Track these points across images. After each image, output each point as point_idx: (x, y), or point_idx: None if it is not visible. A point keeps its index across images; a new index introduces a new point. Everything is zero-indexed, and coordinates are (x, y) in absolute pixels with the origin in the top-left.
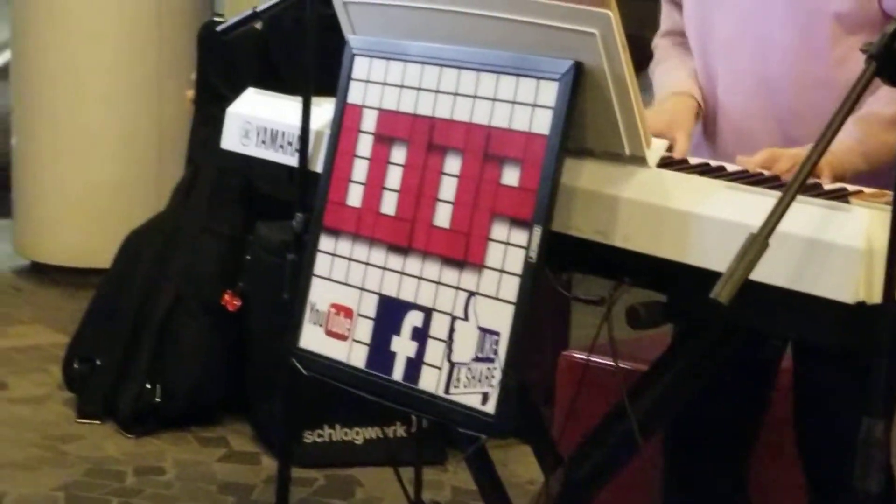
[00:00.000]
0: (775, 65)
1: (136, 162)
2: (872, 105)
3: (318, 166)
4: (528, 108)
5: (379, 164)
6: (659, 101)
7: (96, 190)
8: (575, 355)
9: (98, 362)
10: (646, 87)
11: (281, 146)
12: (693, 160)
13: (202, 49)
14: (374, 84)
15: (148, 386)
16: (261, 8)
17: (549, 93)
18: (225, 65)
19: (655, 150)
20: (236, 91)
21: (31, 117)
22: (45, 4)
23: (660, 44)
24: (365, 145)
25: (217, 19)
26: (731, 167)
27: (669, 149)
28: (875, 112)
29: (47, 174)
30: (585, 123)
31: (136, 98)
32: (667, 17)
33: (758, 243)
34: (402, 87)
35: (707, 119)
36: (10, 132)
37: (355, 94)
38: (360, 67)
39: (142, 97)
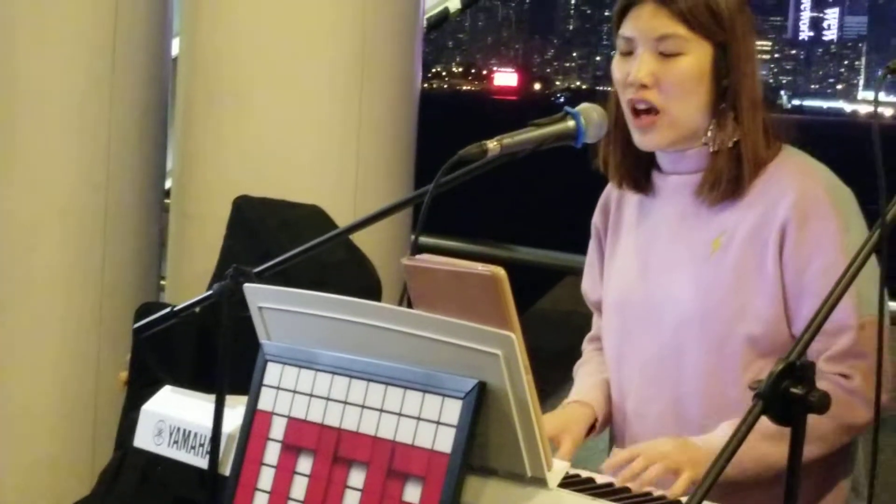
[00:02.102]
0: (688, 385)
1: (71, 440)
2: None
3: (228, 470)
4: (433, 424)
5: (285, 473)
6: (560, 407)
7: (29, 468)
8: None
9: None
10: None
11: (193, 447)
12: (600, 478)
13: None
14: (285, 391)
15: None
16: (178, 307)
17: (453, 411)
18: (161, 347)
19: (557, 472)
20: (173, 375)
21: None
22: None
23: (586, 347)
24: (272, 453)
25: (155, 302)
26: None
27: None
28: (761, 421)
29: None
30: (489, 443)
31: (73, 374)
32: (595, 323)
33: None
34: (311, 395)
35: (618, 433)
36: None
37: (266, 401)
38: (272, 373)
39: (78, 373)
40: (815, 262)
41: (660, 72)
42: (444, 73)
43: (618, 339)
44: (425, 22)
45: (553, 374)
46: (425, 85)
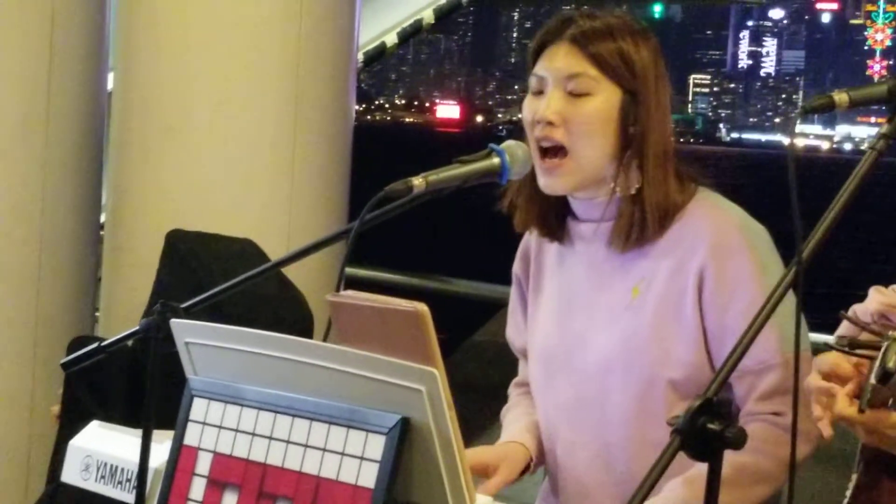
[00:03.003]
0: (614, 429)
1: (4, 474)
2: (702, 465)
3: None
4: (357, 460)
5: None
6: (496, 445)
7: None
8: None
9: None
10: None
11: (120, 482)
12: None
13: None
14: (211, 426)
15: None
16: (105, 342)
17: (377, 446)
18: (93, 381)
19: None
20: (105, 409)
21: None
22: None
23: (513, 391)
24: (198, 489)
25: (88, 336)
26: None
27: None
28: (703, 466)
29: None
30: (412, 478)
31: (6, 408)
32: (522, 368)
33: None
34: (237, 431)
35: (550, 477)
36: None
37: (192, 436)
38: (198, 409)
39: (12, 406)
40: (736, 304)
41: (567, 111)
42: (387, 106)
43: (543, 386)
44: (362, 56)
45: (490, 405)
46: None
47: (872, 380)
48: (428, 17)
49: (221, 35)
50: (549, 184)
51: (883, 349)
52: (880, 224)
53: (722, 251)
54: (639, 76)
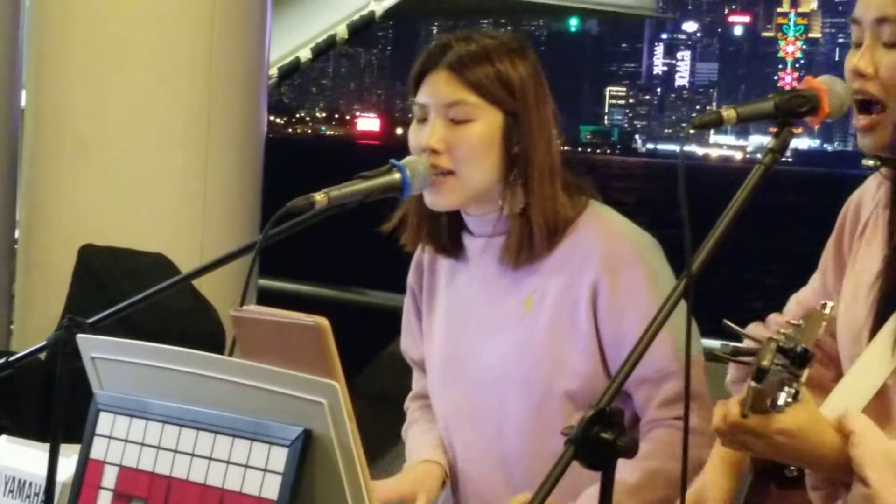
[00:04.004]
0: (512, 440)
1: None
2: (617, 471)
3: None
4: (260, 472)
5: None
6: (408, 467)
7: None
8: None
9: None
10: None
11: (28, 496)
12: None
13: None
14: (117, 440)
15: None
16: (13, 357)
17: (280, 459)
18: (6, 395)
19: None
20: (18, 423)
21: None
22: None
23: (411, 406)
24: (104, 502)
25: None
26: None
27: None
28: (618, 479)
29: None
30: (315, 489)
31: None
32: (417, 380)
33: None
34: (142, 444)
35: (453, 490)
36: None
37: (98, 450)
38: (104, 423)
39: None
40: (630, 315)
41: (450, 138)
42: (308, 119)
43: (441, 398)
44: (276, 71)
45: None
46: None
47: (749, 380)
48: (341, 32)
49: (133, 52)
50: (434, 201)
51: (759, 350)
52: (767, 233)
53: (614, 263)
54: (519, 97)
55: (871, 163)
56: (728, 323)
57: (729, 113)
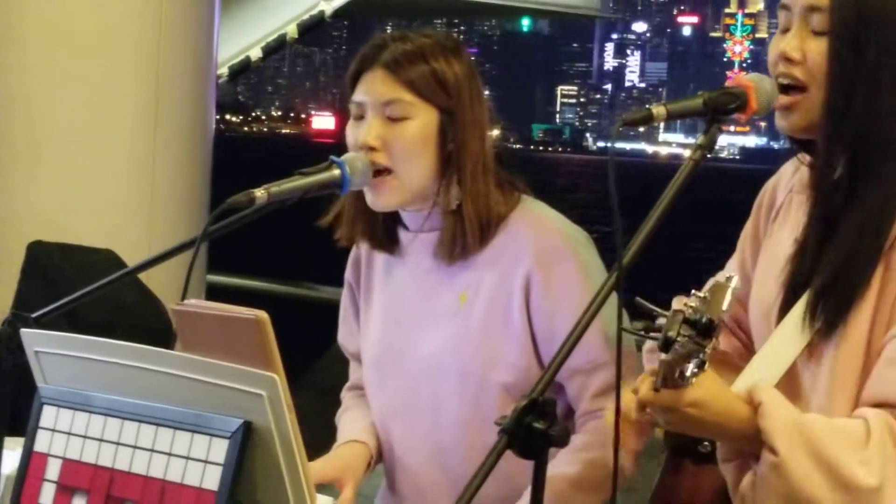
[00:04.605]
0: (448, 432)
1: None
2: (557, 466)
3: None
4: (201, 463)
5: None
6: (334, 448)
7: None
8: None
9: None
10: None
11: None
12: None
13: None
14: (60, 433)
15: None
16: None
17: (220, 450)
18: None
19: None
20: None
21: None
22: None
23: (346, 395)
24: (48, 494)
25: None
26: None
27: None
28: (559, 473)
29: None
30: (255, 479)
31: None
32: (354, 371)
33: None
34: (85, 437)
35: (389, 480)
36: None
37: (42, 443)
38: (48, 416)
39: None
40: (563, 308)
41: (387, 135)
42: (263, 117)
43: (377, 390)
44: (227, 70)
45: None
46: (245, 128)
47: (658, 351)
48: (292, 31)
49: (81, 50)
50: (376, 202)
51: (667, 321)
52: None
53: (547, 258)
54: (453, 95)
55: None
56: (640, 300)
57: (659, 110)
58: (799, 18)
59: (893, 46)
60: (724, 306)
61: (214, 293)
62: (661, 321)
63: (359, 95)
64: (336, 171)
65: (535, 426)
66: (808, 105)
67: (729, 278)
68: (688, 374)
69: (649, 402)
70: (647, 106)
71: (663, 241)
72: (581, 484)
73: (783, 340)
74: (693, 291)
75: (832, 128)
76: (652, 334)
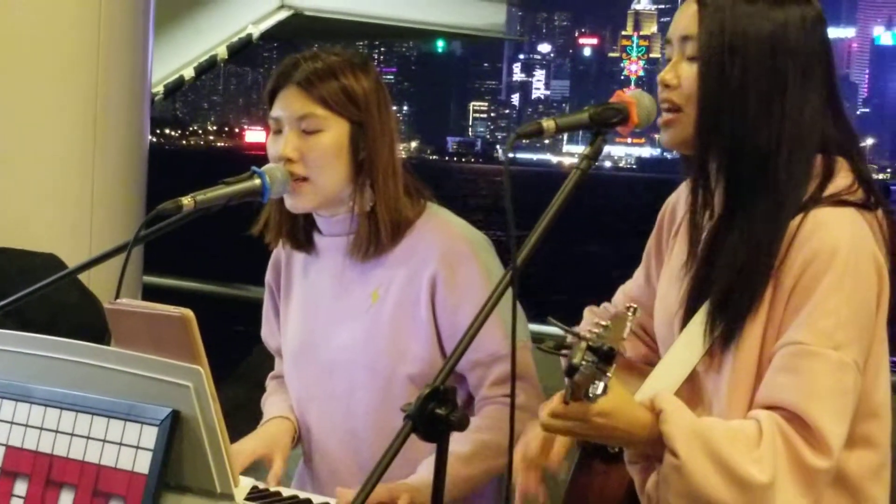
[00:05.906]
0: (360, 419)
1: None
2: (452, 443)
3: None
4: (133, 449)
5: (3, 497)
6: (261, 425)
7: None
8: None
9: None
10: None
11: None
12: (287, 491)
13: None
14: (3, 422)
15: None
16: None
17: (151, 436)
18: None
19: (243, 488)
20: None
21: None
22: None
23: (270, 383)
24: None
25: None
26: (318, 499)
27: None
28: (454, 451)
29: None
30: (183, 464)
31: None
32: (278, 363)
33: None
34: (26, 426)
35: (307, 459)
36: None
37: None
38: None
39: None
40: (466, 305)
41: (303, 147)
42: (200, 131)
43: (296, 382)
44: (162, 87)
45: None
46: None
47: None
48: (222, 52)
49: (24, 64)
50: (293, 204)
51: (572, 349)
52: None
53: (451, 259)
54: (363, 107)
55: None
56: (552, 320)
57: (549, 123)
58: (677, 48)
59: (756, 68)
60: (624, 335)
61: (151, 293)
62: (570, 339)
63: (276, 111)
64: (257, 181)
65: (437, 412)
66: (685, 122)
67: (629, 308)
68: (591, 395)
69: (561, 413)
70: (539, 120)
71: (566, 241)
72: (470, 461)
73: (684, 349)
74: (596, 321)
75: (704, 141)
76: (562, 352)
